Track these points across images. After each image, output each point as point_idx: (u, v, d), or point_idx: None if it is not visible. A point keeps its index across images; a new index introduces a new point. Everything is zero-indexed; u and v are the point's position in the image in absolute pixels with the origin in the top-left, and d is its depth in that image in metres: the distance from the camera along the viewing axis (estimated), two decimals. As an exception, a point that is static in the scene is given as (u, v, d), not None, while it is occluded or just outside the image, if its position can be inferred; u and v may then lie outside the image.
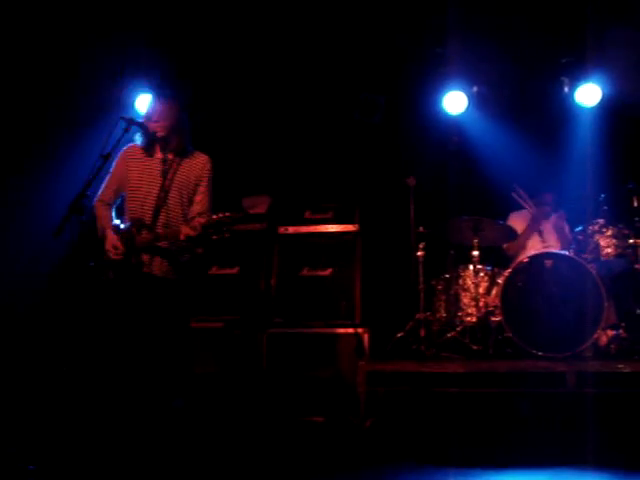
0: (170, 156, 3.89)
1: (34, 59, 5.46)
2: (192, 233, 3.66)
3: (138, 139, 3.89)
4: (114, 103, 5.85)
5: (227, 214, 3.66)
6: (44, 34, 5.34)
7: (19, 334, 5.45)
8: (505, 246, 5.93)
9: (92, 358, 3.93)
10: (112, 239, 3.77)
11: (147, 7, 5.44)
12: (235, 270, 5.62)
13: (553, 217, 6.00)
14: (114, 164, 3.92)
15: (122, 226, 3.87)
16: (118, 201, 3.97)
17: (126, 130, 3.78)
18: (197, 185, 3.92)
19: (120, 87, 5.81)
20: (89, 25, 5.40)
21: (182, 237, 3.68)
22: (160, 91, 4.09)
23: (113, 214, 3.94)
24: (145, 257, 3.75)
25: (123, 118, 3.78)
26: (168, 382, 3.76)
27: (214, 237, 3.67)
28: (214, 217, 3.67)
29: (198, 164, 3.94)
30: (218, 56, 6.07)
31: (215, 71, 6.16)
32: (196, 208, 3.89)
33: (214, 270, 5.62)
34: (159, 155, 3.90)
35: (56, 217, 3.61)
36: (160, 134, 3.85)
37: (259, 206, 5.67)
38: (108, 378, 3.69)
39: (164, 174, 3.82)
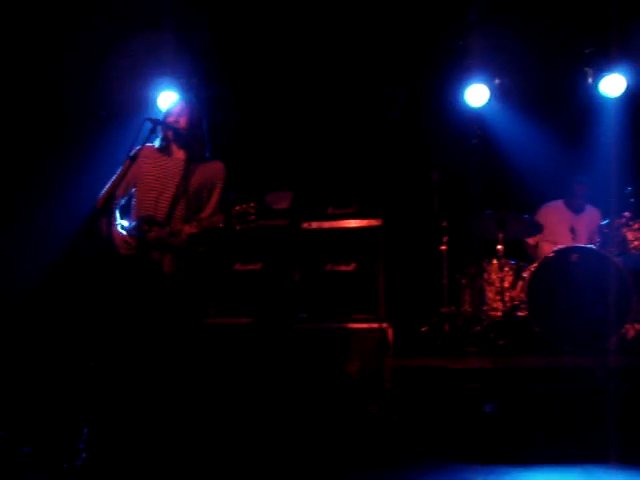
0: (187, 157, 3.86)
1: (61, 58, 5.49)
2: (194, 231, 3.69)
3: (156, 139, 3.87)
4: (141, 103, 5.86)
5: (251, 204, 3.67)
6: (69, 33, 5.36)
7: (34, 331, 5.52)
8: (531, 243, 5.89)
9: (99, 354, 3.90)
10: (121, 235, 3.73)
11: (173, 6, 5.44)
12: (258, 266, 5.61)
13: (588, 213, 5.93)
14: (124, 164, 3.78)
15: (128, 225, 3.80)
16: (123, 201, 3.91)
17: (152, 131, 3.78)
18: (211, 190, 3.92)
19: (147, 87, 5.82)
20: (114, 24, 5.42)
21: (184, 236, 3.70)
22: (182, 91, 4.08)
23: (117, 213, 3.86)
24: (155, 254, 3.73)
25: (150, 119, 3.78)
26: (176, 379, 3.75)
27: (238, 227, 3.68)
28: (237, 208, 3.68)
29: (213, 170, 3.93)
30: (241, 53, 6.06)
31: (238, 68, 6.15)
32: (205, 213, 3.89)
33: (237, 266, 5.63)
34: (176, 155, 3.89)
35: (81, 215, 3.62)
36: (179, 130, 3.83)
37: (282, 202, 5.65)
38: (116, 375, 3.66)
39: (182, 174, 3.80)
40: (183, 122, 3.86)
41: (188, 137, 3.87)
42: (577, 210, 5.95)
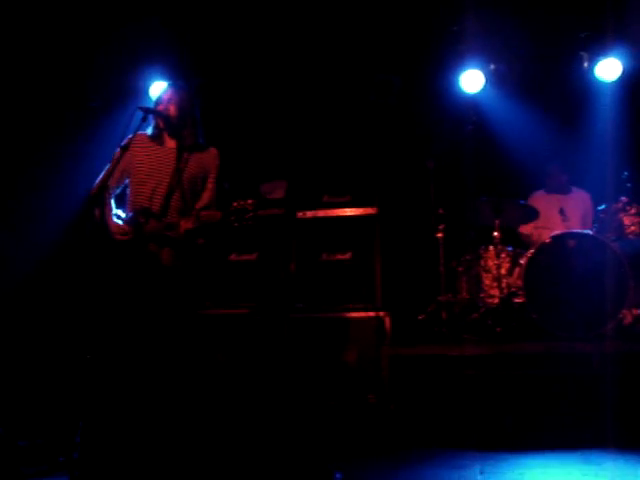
0: (179, 146, 3.80)
1: (50, 49, 5.44)
2: (190, 226, 3.66)
3: (148, 127, 3.81)
4: (131, 92, 5.81)
5: (249, 201, 3.63)
6: (60, 24, 5.31)
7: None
8: (525, 232, 5.88)
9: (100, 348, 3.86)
10: (117, 225, 3.69)
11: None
12: (254, 256, 5.59)
13: (575, 195, 5.93)
14: (117, 152, 3.70)
15: (124, 215, 3.76)
16: (118, 190, 3.85)
17: (144, 120, 3.73)
18: (205, 178, 3.87)
19: (139, 77, 5.78)
20: (105, 14, 5.37)
21: (181, 230, 3.66)
22: (174, 79, 4.01)
23: (113, 203, 3.80)
24: (153, 247, 3.69)
25: (141, 108, 3.72)
26: (174, 371, 3.71)
27: (235, 224, 3.65)
28: (235, 204, 3.64)
29: (208, 157, 3.88)
30: (234, 41, 6.01)
31: (231, 56, 6.10)
32: (201, 202, 3.84)
33: (233, 257, 5.61)
34: (168, 144, 3.83)
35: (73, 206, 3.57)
36: (169, 118, 3.77)
37: (277, 191, 5.63)
38: (112, 367, 3.62)
39: (177, 163, 3.75)
40: (173, 110, 3.80)
41: (179, 125, 3.81)
42: (561, 192, 5.94)
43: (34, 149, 5.64)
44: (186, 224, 3.68)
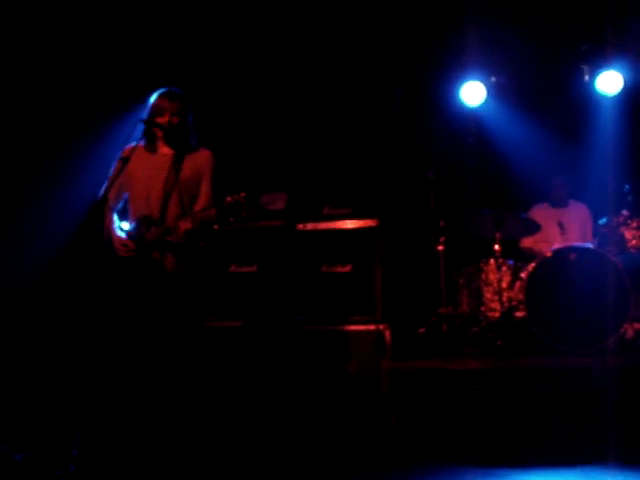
0: (174, 152, 3.81)
1: (51, 58, 5.47)
2: (189, 226, 3.66)
3: (141, 137, 3.80)
4: (133, 101, 5.81)
5: (242, 194, 3.61)
6: (66, 36, 5.34)
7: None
8: (526, 246, 5.86)
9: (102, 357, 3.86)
10: (120, 238, 3.71)
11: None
12: (254, 268, 5.58)
13: (573, 208, 5.93)
14: (114, 166, 3.78)
15: (128, 227, 3.78)
16: (120, 204, 3.87)
17: (145, 132, 3.74)
18: (200, 181, 3.85)
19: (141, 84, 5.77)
20: (110, 21, 5.39)
21: (181, 232, 3.66)
22: (166, 87, 3.97)
23: (115, 217, 3.83)
24: (156, 254, 3.70)
25: (142, 120, 3.73)
26: (181, 381, 3.71)
27: (231, 219, 3.64)
28: (229, 199, 3.62)
29: (200, 158, 3.86)
30: (237, 52, 6.03)
31: (234, 67, 6.11)
32: (199, 205, 3.83)
33: (233, 268, 5.60)
34: (163, 151, 3.84)
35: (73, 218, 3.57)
36: (166, 129, 3.77)
37: (277, 203, 5.62)
38: (114, 378, 3.62)
39: (169, 169, 3.75)
40: (175, 120, 3.79)
41: (179, 134, 3.81)
42: (560, 205, 5.93)
43: (39, 158, 5.64)
44: (185, 224, 3.67)
